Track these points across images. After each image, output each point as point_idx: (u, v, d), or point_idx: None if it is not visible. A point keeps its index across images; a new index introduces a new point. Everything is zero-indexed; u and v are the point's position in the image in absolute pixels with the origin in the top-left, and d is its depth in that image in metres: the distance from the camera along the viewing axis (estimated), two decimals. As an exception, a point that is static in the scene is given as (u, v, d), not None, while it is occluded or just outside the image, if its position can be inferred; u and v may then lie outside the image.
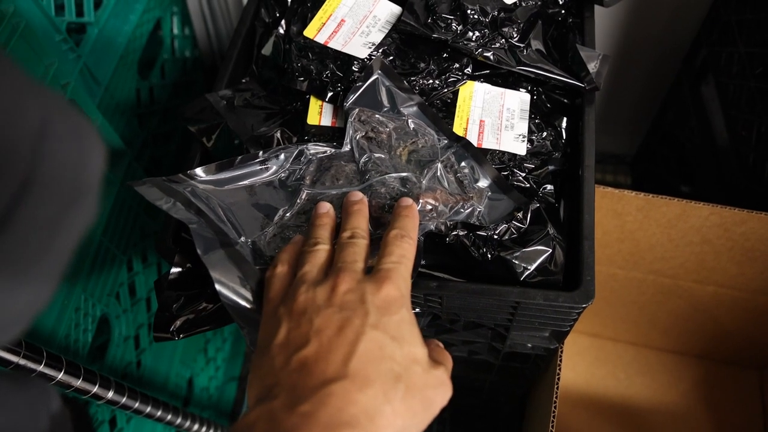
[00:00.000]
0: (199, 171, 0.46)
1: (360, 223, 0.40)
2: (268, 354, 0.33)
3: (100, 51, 0.63)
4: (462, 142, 0.50)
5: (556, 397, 0.55)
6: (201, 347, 0.94)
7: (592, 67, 0.52)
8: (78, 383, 0.51)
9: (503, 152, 0.52)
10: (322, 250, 0.38)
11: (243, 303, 0.39)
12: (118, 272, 0.68)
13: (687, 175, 0.94)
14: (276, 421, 0.28)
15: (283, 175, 0.48)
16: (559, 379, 0.56)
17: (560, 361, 0.57)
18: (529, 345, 0.57)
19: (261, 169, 0.47)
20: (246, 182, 0.47)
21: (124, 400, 0.57)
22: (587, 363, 0.94)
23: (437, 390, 0.33)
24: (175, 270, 0.44)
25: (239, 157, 0.47)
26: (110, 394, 0.55)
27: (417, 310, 0.52)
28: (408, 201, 0.42)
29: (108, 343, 0.67)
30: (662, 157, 1.05)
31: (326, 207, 0.42)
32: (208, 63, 0.93)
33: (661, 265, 0.74)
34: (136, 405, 0.60)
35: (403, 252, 0.37)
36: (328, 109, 0.53)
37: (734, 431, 0.88)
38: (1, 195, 0.18)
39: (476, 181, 0.49)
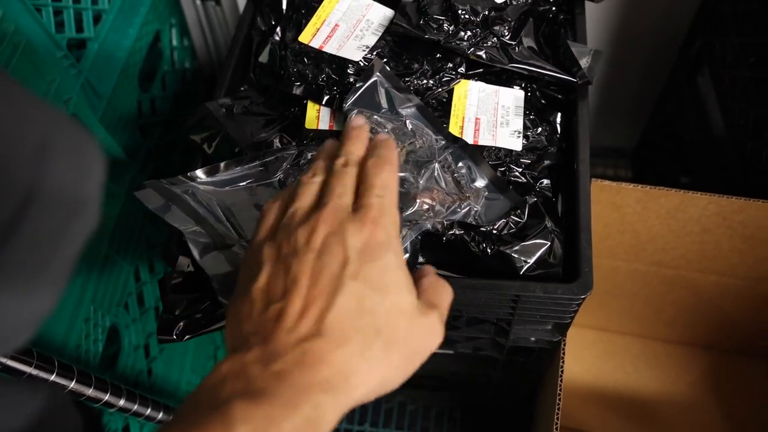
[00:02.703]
0: (199, 173, 0.47)
1: (357, 148, 0.37)
2: (248, 297, 0.31)
3: (100, 65, 0.64)
4: (459, 143, 0.51)
5: (560, 390, 0.55)
6: (211, 354, 0.95)
7: (583, 62, 0.53)
8: (89, 392, 0.52)
9: (499, 149, 0.52)
10: (316, 183, 0.36)
11: None
12: (125, 282, 0.69)
13: (686, 166, 0.95)
14: (249, 379, 0.28)
15: (281, 176, 0.49)
16: (562, 371, 0.56)
17: (563, 353, 0.58)
18: (532, 339, 0.58)
19: (261, 171, 0.48)
20: (246, 183, 0.48)
21: (135, 407, 0.58)
22: (594, 357, 0.94)
23: (424, 338, 0.32)
24: (178, 272, 0.45)
25: (239, 159, 0.48)
26: (122, 402, 0.56)
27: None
28: (384, 136, 0.39)
29: (119, 352, 0.68)
30: (661, 149, 1.05)
31: (333, 142, 0.40)
32: (208, 73, 0.94)
33: (663, 256, 0.75)
34: (148, 412, 0.61)
35: (385, 182, 0.34)
36: (325, 113, 0.54)
37: (744, 420, 0.88)
38: (4, 208, 0.19)
39: (473, 181, 0.50)
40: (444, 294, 0.34)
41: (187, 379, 0.84)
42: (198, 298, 0.44)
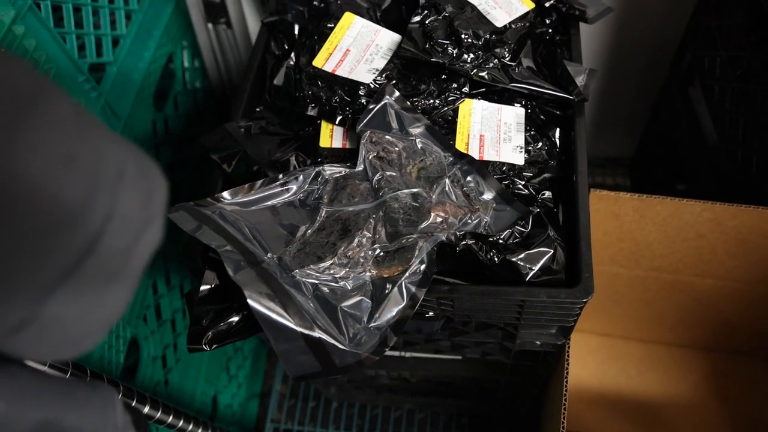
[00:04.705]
0: (225, 194, 0.50)
1: None
2: None
3: (118, 87, 0.68)
4: (466, 159, 0.54)
5: (566, 391, 0.58)
6: (223, 365, 0.97)
7: (579, 80, 0.56)
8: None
9: (503, 163, 0.56)
10: None
11: (273, 315, 0.43)
12: (144, 295, 0.72)
13: (682, 174, 0.98)
14: None
15: (302, 195, 0.52)
16: (567, 373, 0.59)
17: (568, 356, 0.60)
18: (538, 342, 0.60)
19: (282, 190, 0.51)
20: (269, 203, 0.51)
21: (158, 414, 0.61)
22: (598, 362, 0.96)
23: None
24: (204, 287, 0.48)
25: (262, 181, 0.51)
26: (146, 409, 0.59)
27: (431, 313, 0.56)
28: None
29: (138, 363, 0.71)
30: (658, 158, 1.08)
31: None
32: (218, 93, 0.97)
33: (661, 261, 0.77)
34: (170, 419, 0.63)
35: None
36: (338, 132, 0.57)
37: (747, 421, 0.90)
38: (91, 225, 0.23)
39: (481, 194, 0.53)
40: None
41: (201, 390, 0.87)
42: (224, 309, 0.47)
